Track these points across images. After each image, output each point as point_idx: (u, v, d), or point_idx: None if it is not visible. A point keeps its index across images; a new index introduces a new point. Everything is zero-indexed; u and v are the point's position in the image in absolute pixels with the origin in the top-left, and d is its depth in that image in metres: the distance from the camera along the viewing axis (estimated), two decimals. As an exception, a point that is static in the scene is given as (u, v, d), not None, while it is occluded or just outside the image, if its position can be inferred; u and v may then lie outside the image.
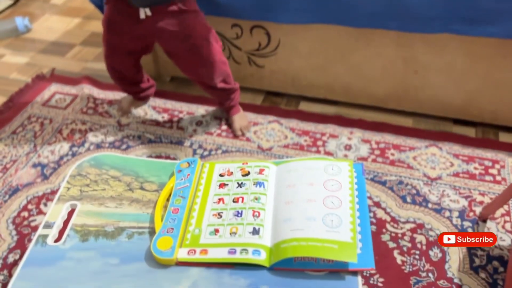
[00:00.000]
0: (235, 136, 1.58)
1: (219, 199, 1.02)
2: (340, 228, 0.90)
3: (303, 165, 1.06)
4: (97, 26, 2.24)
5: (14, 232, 1.33)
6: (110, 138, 1.61)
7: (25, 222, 1.35)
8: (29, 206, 1.40)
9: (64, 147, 1.59)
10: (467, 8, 1.31)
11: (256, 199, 1.00)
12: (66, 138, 1.62)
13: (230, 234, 0.94)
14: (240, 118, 1.60)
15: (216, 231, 0.95)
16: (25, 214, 1.37)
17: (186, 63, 1.44)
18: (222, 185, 1.06)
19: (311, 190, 0.99)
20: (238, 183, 1.05)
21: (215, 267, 0.90)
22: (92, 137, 1.62)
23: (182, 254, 0.91)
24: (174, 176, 1.08)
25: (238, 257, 0.89)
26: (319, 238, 0.88)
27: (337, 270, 0.87)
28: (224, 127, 1.63)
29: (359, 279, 0.86)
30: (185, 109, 1.71)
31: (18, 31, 2.18)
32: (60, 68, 1.98)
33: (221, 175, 1.08)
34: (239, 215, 0.97)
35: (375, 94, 1.61)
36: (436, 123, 1.60)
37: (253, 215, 0.97)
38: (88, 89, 1.83)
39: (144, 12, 1.27)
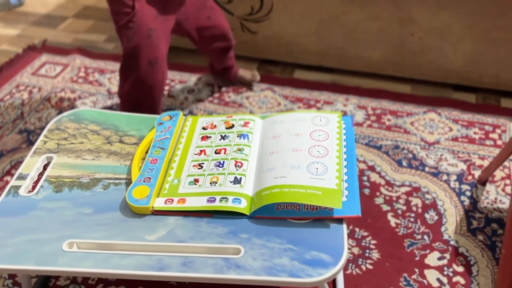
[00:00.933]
0: (227, 103, 1.53)
1: (201, 151, 0.97)
2: (325, 176, 0.85)
3: (290, 117, 1.01)
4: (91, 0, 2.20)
5: (-4, 196, 1.29)
6: (99, 105, 1.57)
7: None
8: (13, 171, 1.36)
9: (52, 114, 1.55)
10: (466, -37, 1.25)
11: (239, 150, 0.95)
12: (55, 106, 1.58)
13: (211, 183, 0.89)
14: (244, 70, 1.59)
15: (196, 181, 0.90)
16: (8, 178, 1.33)
17: (209, 31, 1.35)
18: (204, 138, 1.01)
19: (297, 140, 0.94)
20: (221, 135, 1.00)
21: (193, 216, 0.85)
22: (80, 105, 1.58)
23: (158, 203, 0.87)
24: (154, 128, 1.03)
25: (217, 205, 0.84)
26: (302, 184, 0.83)
27: (321, 217, 0.82)
28: (217, 94, 1.58)
29: (344, 227, 0.80)
30: (177, 78, 1.67)
31: (10, 5, 2.14)
32: (51, 39, 1.94)
33: (204, 128, 1.03)
34: (221, 165, 0.92)
35: (371, 60, 1.55)
36: (435, 89, 1.54)
37: (235, 165, 0.92)
38: (80, 59, 1.78)
39: None
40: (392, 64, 1.54)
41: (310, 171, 0.85)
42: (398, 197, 1.20)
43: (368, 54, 1.54)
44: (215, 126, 1.03)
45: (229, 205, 0.84)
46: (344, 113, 1.47)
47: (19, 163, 1.38)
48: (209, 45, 1.39)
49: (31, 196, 0.92)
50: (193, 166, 0.94)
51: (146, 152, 1.00)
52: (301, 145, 0.92)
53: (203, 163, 0.94)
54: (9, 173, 1.35)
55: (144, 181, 0.90)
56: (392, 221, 1.14)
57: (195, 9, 1.29)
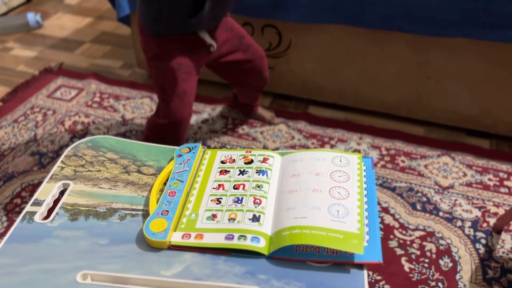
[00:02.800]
0: (240, 136, 1.53)
1: (219, 185, 0.96)
2: (346, 219, 0.84)
3: (309, 155, 1.01)
4: (108, 25, 2.24)
5: (4, 218, 1.27)
6: (113, 132, 1.57)
7: (17, 209, 1.30)
8: (23, 194, 1.35)
9: (65, 137, 1.55)
10: (485, 11, 1.27)
11: (258, 186, 0.94)
12: (68, 130, 1.58)
13: (229, 220, 0.88)
14: (264, 109, 1.59)
15: (214, 216, 0.89)
16: (18, 201, 1.32)
17: (246, 67, 1.33)
18: (223, 172, 1.00)
19: (317, 180, 0.93)
20: (240, 170, 1.00)
21: (210, 253, 0.84)
22: (94, 130, 1.58)
23: (175, 237, 0.85)
24: (173, 160, 1.02)
25: (235, 243, 0.83)
26: (323, 227, 0.82)
27: (341, 262, 0.80)
28: (230, 126, 1.58)
29: (365, 272, 0.79)
30: (191, 108, 1.68)
31: (29, 26, 2.17)
32: (68, 63, 1.96)
33: (222, 162, 1.03)
34: (239, 201, 0.91)
35: (386, 101, 1.56)
36: (449, 133, 1.54)
37: (254, 202, 0.91)
38: (95, 84, 1.80)
39: (208, 37, 1.18)
40: (406, 106, 1.54)
41: (331, 213, 0.84)
42: (412, 241, 1.19)
43: (384, 95, 1.55)
44: (233, 161, 1.03)
45: (248, 244, 0.83)
46: (358, 152, 1.46)
47: (29, 185, 1.37)
48: (244, 81, 1.39)
49: (46, 223, 0.90)
50: (211, 200, 0.93)
51: (164, 183, 0.99)
52: (322, 185, 0.91)
53: (221, 198, 0.93)
54: (19, 195, 1.34)
55: (161, 214, 0.89)
56: (406, 266, 1.13)
57: (230, 47, 1.28)
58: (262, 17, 1.51)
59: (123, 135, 1.55)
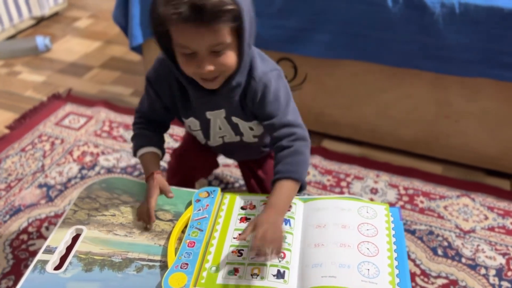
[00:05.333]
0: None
1: (239, 234, 0.92)
2: (377, 279, 0.79)
3: (334, 204, 0.97)
4: (117, 50, 2.22)
5: (10, 256, 1.22)
6: (123, 164, 1.53)
7: (23, 246, 1.25)
8: (30, 229, 1.30)
9: (74, 169, 1.51)
10: (507, 52, 1.25)
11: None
12: (76, 160, 1.54)
13: (252, 275, 0.83)
14: None
15: (236, 270, 0.85)
16: (25, 237, 1.28)
17: None
18: (243, 219, 0.96)
19: (344, 233, 0.89)
20: None
21: (233, 311, 0.79)
22: (103, 161, 1.54)
23: (196, 294, 0.81)
24: (191, 206, 0.98)
25: None
26: (353, 288, 0.77)
27: (372, 326, 0.76)
28: (243, 160, 1.54)
29: (399, 338, 0.74)
30: (202, 139, 1.64)
31: (38, 50, 2.15)
32: (76, 89, 1.93)
33: (242, 208, 0.99)
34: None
35: (403, 137, 1.53)
36: (468, 172, 1.50)
37: (284, 256, 0.86)
38: (104, 112, 1.77)
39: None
40: (423, 143, 1.51)
41: (361, 273, 0.80)
42: (435, 290, 1.14)
43: (400, 132, 1.52)
44: (254, 207, 0.99)
45: (274, 304, 0.78)
46: (375, 191, 1.43)
47: (36, 220, 1.33)
48: None
49: (58, 274, 0.86)
50: (232, 252, 0.89)
51: (183, 231, 0.95)
52: (349, 239, 0.87)
53: (242, 250, 0.89)
54: (25, 231, 1.29)
55: (181, 268, 0.84)
56: (430, 318, 1.08)
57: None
58: (278, 50, 1.48)
59: (133, 167, 1.51)
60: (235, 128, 1.05)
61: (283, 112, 0.97)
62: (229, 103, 0.98)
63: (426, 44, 1.29)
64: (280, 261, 0.85)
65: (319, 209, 0.96)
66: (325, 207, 0.96)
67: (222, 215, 0.97)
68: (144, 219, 0.94)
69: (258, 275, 0.83)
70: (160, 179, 0.99)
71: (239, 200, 1.01)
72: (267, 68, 0.97)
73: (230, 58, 0.86)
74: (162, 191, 0.99)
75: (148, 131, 1.05)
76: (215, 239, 0.91)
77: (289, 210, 0.96)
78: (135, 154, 1.04)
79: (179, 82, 0.97)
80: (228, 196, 1.02)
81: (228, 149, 1.16)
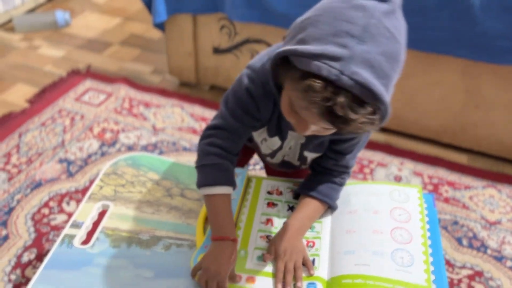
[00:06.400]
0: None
1: (268, 220, 0.91)
2: (412, 268, 0.77)
3: (364, 189, 0.95)
4: (137, 27, 2.19)
5: (32, 229, 1.22)
6: (143, 142, 1.52)
7: (45, 220, 1.25)
8: (51, 203, 1.30)
9: (94, 145, 1.50)
10: (545, 41, 1.21)
11: (310, 227, 0.88)
12: (97, 136, 1.53)
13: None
14: None
15: (264, 255, 0.83)
16: (46, 211, 1.27)
17: None
18: (270, 204, 0.94)
19: (376, 219, 0.87)
20: (288, 205, 0.94)
21: (263, 295, 0.78)
22: (124, 138, 1.53)
23: (226, 276, 0.80)
24: (220, 186, 0.96)
25: None
26: (389, 278, 0.75)
27: (406, 314, 0.74)
28: (264, 142, 1.52)
29: (433, 328, 0.73)
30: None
31: (57, 25, 2.13)
32: (96, 65, 1.91)
33: (269, 193, 0.97)
34: None
35: (429, 126, 1.50)
36: (494, 163, 1.47)
37: (307, 245, 0.85)
38: (124, 89, 1.75)
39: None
40: (450, 133, 1.48)
41: (395, 261, 0.78)
42: (460, 281, 1.13)
43: (426, 120, 1.48)
44: (281, 193, 0.96)
45: (305, 292, 0.77)
46: (399, 178, 1.40)
47: (57, 195, 1.32)
48: None
49: (86, 248, 0.85)
50: (260, 237, 0.87)
51: (210, 211, 0.93)
52: (382, 226, 0.85)
53: (270, 235, 0.87)
54: (47, 205, 1.29)
55: (210, 247, 0.83)
56: (455, 308, 1.07)
57: None
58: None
59: (154, 146, 1.50)
60: (301, 156, 0.92)
61: (353, 156, 0.90)
62: (314, 138, 0.86)
63: (459, 31, 1.25)
64: (309, 250, 0.84)
65: (349, 194, 0.94)
66: (355, 192, 0.94)
67: (249, 199, 0.95)
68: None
69: None
70: (236, 253, 0.79)
71: (265, 184, 0.99)
72: None
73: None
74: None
75: (228, 162, 0.82)
76: (242, 222, 0.90)
77: None
78: (200, 187, 0.82)
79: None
80: (254, 179, 1.00)
81: (279, 165, 1.01)
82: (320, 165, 0.92)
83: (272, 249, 0.83)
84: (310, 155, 0.91)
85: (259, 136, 0.91)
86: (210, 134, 0.84)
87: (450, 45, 1.31)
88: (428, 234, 0.85)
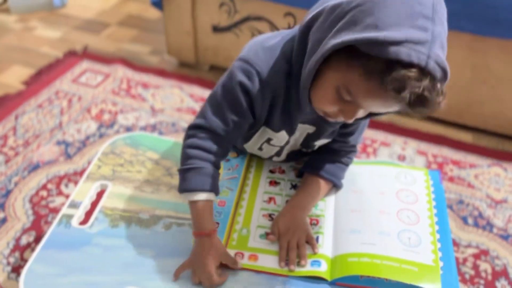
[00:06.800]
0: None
1: (270, 198, 0.88)
2: (419, 248, 0.76)
3: (370, 169, 0.93)
4: (134, 7, 2.14)
5: (30, 212, 1.20)
6: (142, 123, 1.49)
7: (43, 202, 1.23)
8: (49, 186, 1.27)
9: (92, 126, 1.47)
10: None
11: (314, 205, 0.86)
12: (95, 118, 1.50)
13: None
14: None
15: (267, 234, 0.81)
16: (44, 193, 1.25)
17: None
18: (273, 183, 0.92)
19: (382, 200, 0.85)
20: (291, 184, 0.91)
21: (266, 274, 0.76)
22: (122, 120, 1.50)
23: (228, 255, 0.78)
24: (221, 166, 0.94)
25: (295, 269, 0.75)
26: (396, 257, 0.74)
27: (413, 292, 0.72)
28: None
29: (441, 306, 0.71)
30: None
31: (53, 5, 2.08)
32: (93, 46, 1.87)
33: (271, 171, 0.94)
34: None
35: (433, 104, 1.47)
36: (499, 141, 1.45)
37: (311, 223, 0.83)
38: (122, 70, 1.71)
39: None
40: (455, 110, 1.45)
41: (402, 241, 0.76)
42: (465, 259, 1.11)
43: (432, 97, 1.45)
44: (283, 171, 0.94)
45: (308, 270, 0.75)
46: (403, 158, 1.38)
47: (55, 177, 1.30)
48: None
49: (84, 228, 0.83)
50: (263, 215, 0.85)
51: (212, 190, 0.91)
52: (388, 207, 0.83)
53: (273, 214, 0.85)
54: (45, 187, 1.27)
55: (212, 226, 0.81)
56: (460, 287, 1.05)
57: None
58: (307, 7, 1.41)
59: (153, 127, 1.47)
60: (305, 142, 0.87)
61: (360, 133, 0.89)
62: (329, 127, 0.83)
63: (468, 3, 1.22)
64: (313, 228, 0.82)
65: (354, 174, 0.91)
66: (360, 173, 0.92)
67: (251, 177, 0.93)
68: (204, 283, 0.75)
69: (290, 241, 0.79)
70: (219, 248, 0.77)
71: (267, 162, 0.96)
72: None
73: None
74: (225, 262, 0.76)
75: (209, 164, 0.77)
76: (245, 201, 0.88)
77: None
78: (182, 192, 0.78)
79: (286, 95, 0.76)
80: (255, 158, 0.98)
81: (283, 161, 0.97)
82: (326, 146, 0.89)
83: (276, 227, 0.81)
84: (319, 142, 0.87)
85: (258, 139, 0.85)
86: (190, 134, 0.79)
87: (458, 19, 1.27)
88: (435, 211, 0.83)
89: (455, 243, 1.14)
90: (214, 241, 0.75)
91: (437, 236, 0.78)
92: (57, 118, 1.50)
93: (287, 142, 0.85)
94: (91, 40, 1.91)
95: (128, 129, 1.46)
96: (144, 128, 1.47)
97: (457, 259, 1.11)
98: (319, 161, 0.88)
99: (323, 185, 0.87)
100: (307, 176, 0.89)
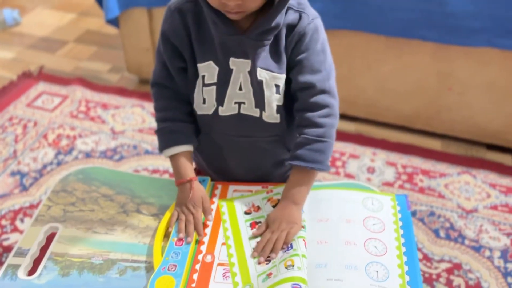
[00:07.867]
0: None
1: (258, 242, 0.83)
2: (387, 283, 0.72)
3: (336, 195, 0.88)
4: (93, 23, 2.06)
5: (-18, 253, 1.13)
6: (102, 147, 1.42)
7: (-3, 241, 1.16)
8: (3, 222, 1.20)
9: (49, 154, 1.40)
10: (516, 20, 1.16)
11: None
12: (52, 144, 1.43)
13: (286, 268, 0.75)
14: None
15: (269, 275, 0.76)
16: (-3, 231, 1.18)
17: None
18: (254, 225, 0.86)
19: (349, 228, 0.80)
20: None
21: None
22: (81, 145, 1.43)
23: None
24: (178, 198, 0.89)
25: None
26: (363, 294, 0.70)
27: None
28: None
29: None
30: (187, 118, 1.54)
31: (6, 24, 1.99)
32: (49, 66, 1.79)
33: (246, 213, 0.88)
34: (290, 247, 0.78)
35: (402, 112, 1.45)
36: (468, 147, 1.44)
37: (306, 246, 0.78)
38: (80, 91, 1.64)
39: None
40: (424, 118, 1.43)
41: (369, 275, 0.73)
42: (439, 275, 1.09)
43: (400, 106, 1.43)
44: (258, 208, 0.88)
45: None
46: (372, 170, 1.35)
47: (10, 212, 1.22)
48: None
49: (32, 280, 0.76)
50: (259, 263, 0.79)
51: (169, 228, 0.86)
52: (355, 236, 0.79)
53: (269, 257, 0.79)
54: (-2, 224, 1.19)
55: (168, 270, 0.76)
56: (435, 305, 1.02)
57: None
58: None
59: (114, 151, 1.41)
60: (258, 93, 0.82)
61: (328, 73, 0.82)
62: (259, 50, 0.78)
63: (429, 12, 1.20)
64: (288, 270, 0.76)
65: (321, 200, 0.87)
66: (327, 198, 0.88)
67: (229, 228, 0.86)
68: (189, 232, 0.80)
69: (293, 266, 0.74)
70: (201, 191, 0.84)
71: (238, 205, 0.90)
72: (314, 12, 0.81)
73: None
74: (204, 205, 0.84)
75: (176, 118, 0.86)
76: (234, 257, 0.81)
77: None
78: (161, 151, 0.87)
79: (197, 23, 0.81)
80: (219, 186, 0.93)
81: (240, 136, 0.90)
82: (297, 110, 0.83)
83: (266, 220, 0.82)
84: (266, 81, 0.80)
85: (198, 87, 0.85)
86: (153, 95, 0.88)
87: (420, 28, 1.26)
88: (403, 240, 0.80)
89: (428, 258, 1.12)
90: (195, 185, 0.84)
91: (405, 268, 0.75)
92: (11, 147, 1.42)
93: (223, 80, 0.81)
94: (47, 59, 1.83)
95: (88, 154, 1.39)
96: (104, 152, 1.40)
97: (430, 275, 1.08)
98: (296, 147, 0.82)
99: (308, 172, 0.83)
100: (292, 167, 0.84)
